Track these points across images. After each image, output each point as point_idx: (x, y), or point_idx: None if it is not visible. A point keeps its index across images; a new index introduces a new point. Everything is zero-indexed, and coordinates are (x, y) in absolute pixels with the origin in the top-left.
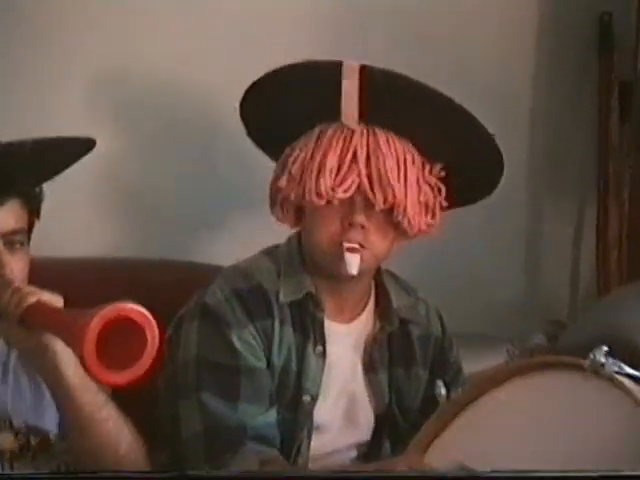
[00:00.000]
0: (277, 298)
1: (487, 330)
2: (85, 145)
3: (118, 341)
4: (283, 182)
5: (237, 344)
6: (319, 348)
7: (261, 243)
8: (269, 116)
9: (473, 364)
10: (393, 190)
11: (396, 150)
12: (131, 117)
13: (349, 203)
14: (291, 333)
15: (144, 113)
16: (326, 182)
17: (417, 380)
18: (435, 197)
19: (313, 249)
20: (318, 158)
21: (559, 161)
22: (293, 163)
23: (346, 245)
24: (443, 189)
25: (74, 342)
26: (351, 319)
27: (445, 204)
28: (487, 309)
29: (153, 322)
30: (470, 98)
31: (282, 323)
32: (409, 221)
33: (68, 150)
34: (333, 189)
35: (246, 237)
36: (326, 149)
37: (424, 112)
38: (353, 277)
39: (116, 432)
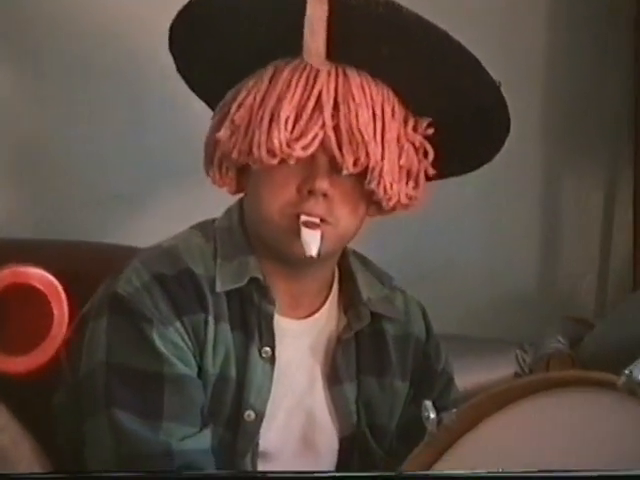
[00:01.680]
0: (212, 286)
1: (491, 332)
2: None
3: (14, 317)
4: (224, 133)
5: (159, 345)
6: (266, 350)
7: (192, 220)
8: (207, 49)
9: (472, 376)
10: (366, 148)
11: (372, 98)
12: (31, 54)
13: (309, 164)
14: (229, 331)
15: (48, 50)
16: (280, 135)
17: (393, 393)
18: (420, 161)
19: (260, 223)
20: (271, 103)
21: (583, 115)
22: (238, 109)
23: (303, 219)
24: (430, 151)
25: None
26: (308, 314)
27: (432, 171)
28: (491, 305)
29: (62, 292)
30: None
31: (218, 318)
32: (385, 190)
33: None
34: (289, 144)
35: (173, 213)
36: (282, 92)
37: (410, 49)
38: (312, 260)
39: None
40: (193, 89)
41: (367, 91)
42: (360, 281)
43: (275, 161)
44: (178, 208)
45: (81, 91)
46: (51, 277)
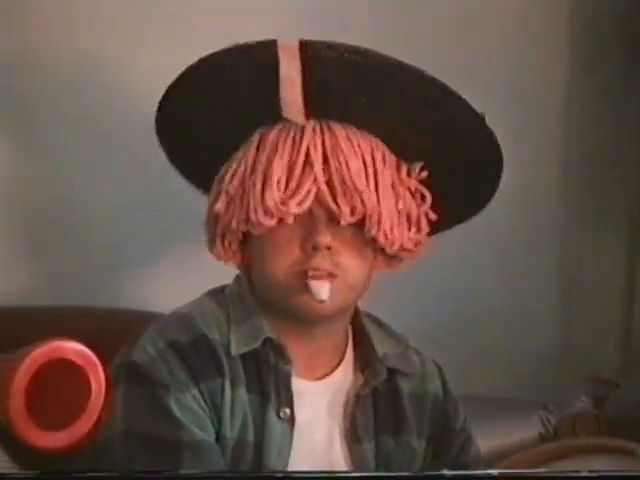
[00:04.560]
0: (227, 351)
1: (513, 392)
2: None
3: (51, 391)
4: (220, 205)
5: (176, 412)
6: (285, 411)
7: (210, 285)
8: (194, 127)
9: (496, 437)
10: (361, 197)
11: (360, 147)
12: (44, 120)
13: (308, 221)
14: (246, 394)
15: (61, 115)
16: (274, 195)
17: (410, 451)
18: (419, 206)
19: (268, 286)
20: (261, 168)
21: (602, 179)
22: (231, 180)
23: (311, 274)
24: (427, 195)
25: None
26: (324, 375)
27: (434, 216)
28: (513, 365)
29: (99, 365)
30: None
31: (235, 382)
32: (385, 235)
33: None
34: (284, 202)
35: (188, 279)
36: (270, 155)
37: (389, 95)
38: (324, 315)
39: None
40: (188, 178)
41: (354, 142)
42: (375, 339)
43: (273, 222)
44: (196, 272)
45: (94, 156)
46: (88, 351)
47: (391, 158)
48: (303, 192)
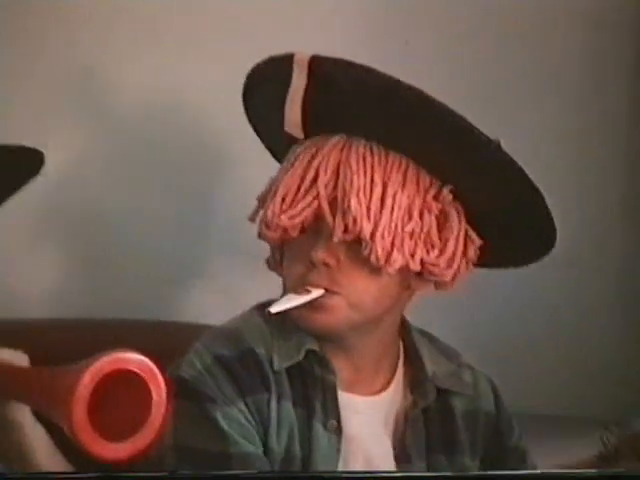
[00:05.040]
0: (272, 365)
1: (572, 410)
2: (29, 161)
3: (113, 402)
4: (253, 216)
5: (224, 425)
6: (332, 422)
7: (262, 298)
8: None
9: (552, 457)
10: (354, 215)
11: (372, 166)
12: (104, 141)
13: (314, 235)
14: (291, 408)
15: (121, 134)
16: (274, 207)
17: (462, 472)
18: (442, 229)
19: None
20: (276, 182)
21: None
22: (265, 192)
23: (308, 289)
24: (453, 214)
25: (56, 407)
26: (376, 392)
27: (454, 231)
28: (573, 382)
29: (160, 377)
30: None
31: (281, 397)
32: (377, 256)
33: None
34: (276, 215)
35: (238, 292)
36: (286, 170)
37: (404, 117)
38: (328, 333)
39: None
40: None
41: (368, 159)
42: (425, 357)
43: (270, 233)
44: (246, 284)
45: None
46: (150, 362)
47: (419, 179)
48: (299, 207)
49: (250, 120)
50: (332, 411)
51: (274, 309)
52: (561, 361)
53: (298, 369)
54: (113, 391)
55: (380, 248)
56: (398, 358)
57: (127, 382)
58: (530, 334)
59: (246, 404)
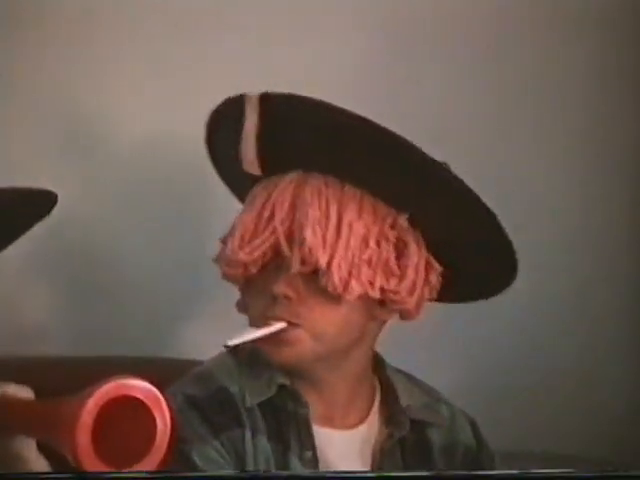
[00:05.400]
0: (245, 402)
1: (583, 450)
2: (42, 202)
3: (117, 429)
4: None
5: (200, 463)
6: (307, 454)
7: None
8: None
9: None
10: (310, 247)
11: (327, 199)
12: (103, 176)
13: (274, 270)
14: (267, 443)
15: (119, 169)
16: (234, 244)
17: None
18: (400, 256)
19: None
20: (236, 219)
21: None
22: (227, 234)
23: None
24: (411, 242)
25: (60, 435)
26: (349, 426)
27: (414, 259)
28: (584, 421)
29: (164, 404)
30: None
31: (255, 432)
32: (334, 286)
33: (18, 209)
34: (234, 251)
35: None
36: (247, 206)
37: (357, 149)
38: (293, 365)
39: None
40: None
41: (323, 192)
42: (400, 390)
43: (231, 271)
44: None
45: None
46: (154, 389)
47: (376, 209)
48: (258, 241)
49: (214, 164)
50: (307, 443)
51: (231, 342)
52: (571, 398)
53: (271, 405)
54: (117, 418)
55: (337, 277)
56: (374, 394)
57: (131, 409)
58: (536, 371)
59: (221, 442)
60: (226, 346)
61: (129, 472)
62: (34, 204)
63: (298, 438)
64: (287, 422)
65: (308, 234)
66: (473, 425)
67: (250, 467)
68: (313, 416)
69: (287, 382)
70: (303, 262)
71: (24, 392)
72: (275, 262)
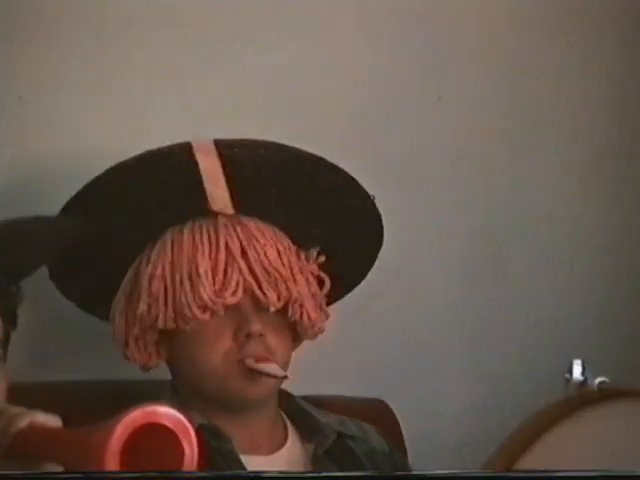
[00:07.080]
0: None
1: None
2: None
3: (145, 456)
4: (142, 308)
5: None
6: None
7: None
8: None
9: None
10: (286, 283)
11: (272, 236)
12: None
13: (235, 311)
14: None
15: None
16: (207, 289)
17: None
18: (322, 289)
19: (203, 377)
20: (184, 266)
21: None
22: (150, 281)
23: (249, 361)
24: (326, 279)
25: (89, 463)
26: (273, 450)
27: (327, 299)
28: None
29: (191, 430)
30: None
31: None
32: (309, 317)
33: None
34: (218, 295)
35: None
36: (190, 252)
37: (286, 183)
38: (260, 400)
39: None
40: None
41: (265, 232)
42: (314, 412)
43: (207, 315)
44: None
45: None
46: (181, 416)
47: (293, 247)
48: (234, 283)
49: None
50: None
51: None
52: None
53: None
54: (145, 446)
55: (310, 310)
56: (283, 417)
57: (159, 436)
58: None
59: None
60: (284, 377)
61: (129, 472)
62: (62, 231)
63: (229, 469)
64: (215, 459)
65: (281, 270)
66: (381, 435)
67: None
68: (240, 447)
69: (205, 421)
70: (279, 299)
71: (52, 421)
72: (238, 303)
